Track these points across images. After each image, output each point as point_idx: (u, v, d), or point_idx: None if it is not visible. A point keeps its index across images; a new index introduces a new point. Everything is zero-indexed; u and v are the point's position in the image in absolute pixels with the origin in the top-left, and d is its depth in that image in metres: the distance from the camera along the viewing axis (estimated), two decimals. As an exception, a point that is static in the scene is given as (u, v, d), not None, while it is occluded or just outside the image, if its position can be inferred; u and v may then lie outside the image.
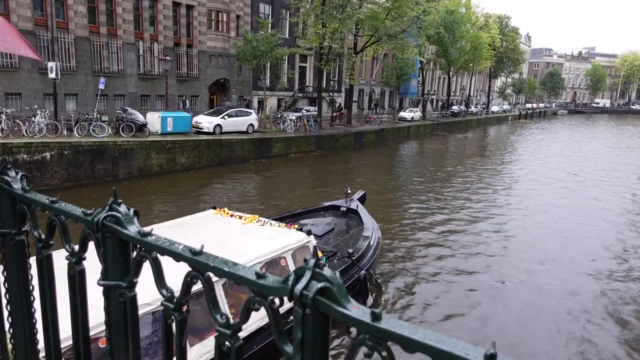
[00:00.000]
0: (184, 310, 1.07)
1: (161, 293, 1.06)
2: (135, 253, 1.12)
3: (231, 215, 7.97)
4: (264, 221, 7.70)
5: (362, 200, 11.39)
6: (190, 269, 0.99)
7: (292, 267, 6.70)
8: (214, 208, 8.31)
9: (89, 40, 23.03)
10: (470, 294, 9.39)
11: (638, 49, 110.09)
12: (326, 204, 11.16)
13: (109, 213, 1.13)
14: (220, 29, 29.69)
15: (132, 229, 1.10)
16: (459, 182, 21.41)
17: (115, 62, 24.39)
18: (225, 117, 23.59)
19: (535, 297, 9.48)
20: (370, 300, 8.52)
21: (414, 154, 33.52)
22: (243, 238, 6.93)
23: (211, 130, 22.60)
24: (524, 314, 8.72)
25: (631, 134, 53.84)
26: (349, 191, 10.90)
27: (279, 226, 7.57)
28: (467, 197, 18.30)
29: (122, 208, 1.14)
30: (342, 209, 10.63)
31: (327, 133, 29.82)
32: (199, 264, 0.97)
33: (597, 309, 8.96)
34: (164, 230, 6.88)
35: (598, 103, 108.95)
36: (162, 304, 1.07)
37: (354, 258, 8.20)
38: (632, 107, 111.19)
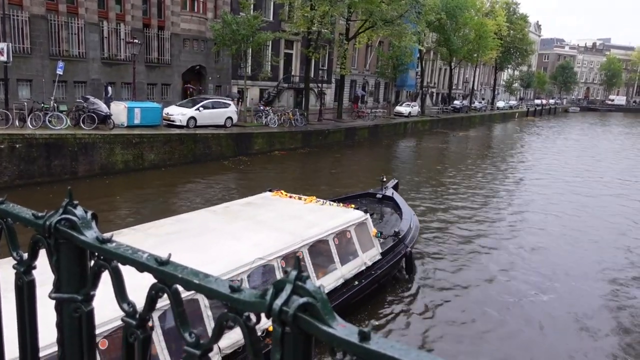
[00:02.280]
0: (149, 327, 1.05)
1: (122, 308, 1.04)
2: (92, 262, 1.10)
3: (290, 197, 10.07)
4: (323, 202, 9.88)
5: (395, 187, 13.22)
6: (155, 280, 0.98)
7: (356, 241, 8.92)
8: (271, 190, 10.48)
9: (45, 18, 22.70)
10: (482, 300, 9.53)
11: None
12: (361, 192, 13.12)
13: (63, 216, 1.11)
14: (196, 10, 29.51)
15: (90, 235, 1.08)
16: (460, 188, 21.59)
17: (75, 45, 24.08)
18: (201, 108, 23.47)
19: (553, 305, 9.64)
20: (415, 275, 10.76)
21: (411, 153, 33.72)
22: (312, 214, 9.01)
23: (184, 124, 22.45)
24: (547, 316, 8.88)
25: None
26: (384, 179, 12.91)
27: (338, 206, 9.72)
28: (468, 204, 18.45)
29: (79, 211, 1.12)
30: (377, 195, 12.41)
31: (314, 128, 29.84)
32: (166, 275, 0.95)
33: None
34: (221, 212, 9.08)
35: (613, 100, 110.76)
36: (122, 320, 1.05)
37: (400, 237, 10.08)
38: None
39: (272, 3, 34.38)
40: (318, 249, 8.23)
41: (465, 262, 11.96)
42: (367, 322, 8.35)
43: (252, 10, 28.73)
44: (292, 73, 37.69)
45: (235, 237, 7.68)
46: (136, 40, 23.42)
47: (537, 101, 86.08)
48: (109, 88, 23.27)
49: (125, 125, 20.10)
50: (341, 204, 9.95)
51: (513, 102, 78.18)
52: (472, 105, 60.94)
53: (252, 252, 7.08)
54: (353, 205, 9.82)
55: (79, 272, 1.13)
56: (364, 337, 0.72)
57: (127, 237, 7.29)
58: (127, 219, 13.92)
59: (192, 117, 22.88)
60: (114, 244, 1.05)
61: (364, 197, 12.47)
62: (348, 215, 9.07)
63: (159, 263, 0.96)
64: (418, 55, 46.25)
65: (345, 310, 7.98)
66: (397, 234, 10.14)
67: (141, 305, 1.04)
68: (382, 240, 9.76)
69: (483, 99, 72.89)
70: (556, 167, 27.73)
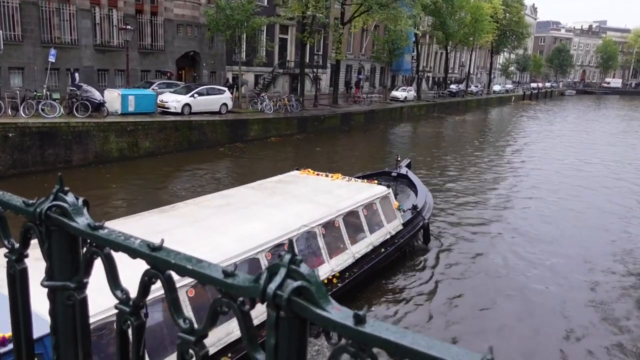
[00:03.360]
0: (143, 314, 1.04)
1: (115, 295, 1.04)
2: (85, 249, 1.09)
3: (317, 174, 11.18)
4: (348, 178, 11.02)
5: (408, 166, 14.04)
6: (148, 266, 0.97)
7: (381, 213, 9.95)
8: (297, 169, 11.56)
9: (36, 5, 22.40)
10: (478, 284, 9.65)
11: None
12: (377, 171, 14.07)
13: (54, 203, 1.09)
14: (188, -5, 29.16)
15: (81, 221, 1.07)
16: (457, 171, 21.62)
17: (67, 31, 23.80)
18: (195, 95, 23.32)
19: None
20: (431, 245, 11.80)
21: (408, 138, 33.69)
22: (341, 189, 10.13)
23: (179, 111, 22.32)
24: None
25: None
26: (399, 158, 14.04)
27: (362, 182, 10.86)
28: (468, 185, 18.50)
29: (70, 197, 1.11)
30: (392, 174, 13.21)
31: (310, 114, 29.74)
32: (158, 261, 0.94)
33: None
34: (259, 188, 10.13)
35: (609, 83, 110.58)
36: (116, 307, 1.04)
37: (418, 210, 11.08)
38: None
39: (266, -13, 34.01)
40: (350, 219, 9.19)
41: (471, 235, 13.07)
42: (393, 286, 9.86)
43: (245, -5, 28.37)
44: (287, 58, 37.43)
45: (278, 208, 8.68)
46: (129, 27, 23.17)
47: (534, 84, 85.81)
48: (76, 74, 21.77)
49: (119, 112, 19.97)
50: (365, 180, 11.16)
51: (509, 86, 77.98)
52: (469, 89, 60.75)
53: (297, 221, 8.11)
54: (376, 181, 11.03)
55: (71, 259, 1.12)
56: (359, 320, 0.72)
57: (185, 209, 8.51)
58: (124, 208, 13.91)
59: (187, 104, 22.74)
60: (105, 231, 1.04)
61: (380, 175, 13.14)
62: (373, 190, 10.21)
63: (151, 249, 0.95)
64: (414, 39, 45.94)
65: (374, 276, 9.40)
66: (415, 207, 11.17)
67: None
68: (402, 212, 10.80)
69: (479, 82, 72.65)
70: (553, 148, 27.81)
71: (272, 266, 0.79)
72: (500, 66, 77.38)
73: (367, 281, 9.24)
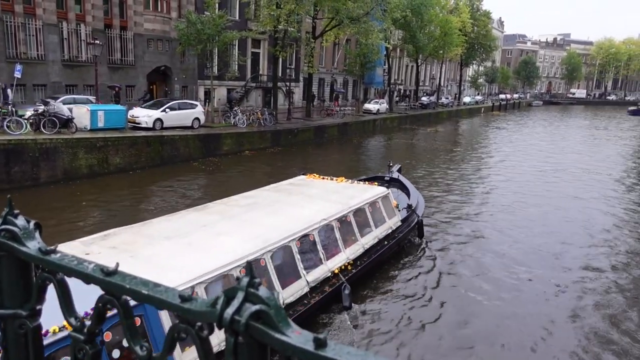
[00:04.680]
0: (99, 341, 0.99)
1: (69, 322, 0.99)
2: (36, 275, 1.04)
3: (322, 178, 12.50)
4: (352, 181, 12.37)
5: (399, 171, 15.21)
6: (102, 292, 0.93)
7: (383, 210, 11.20)
8: (304, 174, 13.01)
9: (1, 20, 21.90)
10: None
11: (613, 36, 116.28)
12: (371, 175, 15.27)
13: (3, 227, 1.04)
14: (159, 9, 29.00)
15: (32, 246, 1.02)
16: (430, 180, 21.86)
17: (34, 46, 23.32)
18: (167, 110, 23.08)
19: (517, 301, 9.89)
20: (425, 239, 13.05)
21: (381, 150, 33.97)
22: (348, 190, 11.42)
23: (150, 126, 22.03)
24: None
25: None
26: (391, 164, 15.38)
27: (365, 184, 12.25)
28: (440, 195, 18.71)
29: (20, 220, 1.06)
30: (385, 178, 14.47)
31: (284, 128, 29.74)
32: (113, 286, 0.90)
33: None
34: (275, 190, 11.37)
35: (574, 93, 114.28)
36: (70, 336, 0.99)
37: (413, 208, 12.40)
38: (608, 97, 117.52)
39: (237, 2, 34.06)
40: (358, 215, 10.35)
41: (455, 231, 14.55)
42: (395, 273, 10.97)
43: (217, 10, 28.40)
44: (260, 72, 37.46)
45: (298, 206, 9.89)
46: (97, 41, 22.84)
47: (502, 96, 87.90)
48: (8, 90, 19.87)
49: (89, 128, 19.58)
50: (367, 182, 12.60)
51: (479, 98, 79.71)
52: (439, 101, 61.80)
53: (317, 215, 9.31)
54: (376, 183, 12.58)
55: (22, 285, 1.07)
56: (320, 344, 0.69)
57: (217, 208, 9.56)
58: (95, 224, 13.58)
59: (159, 119, 22.47)
60: (58, 255, 0.99)
61: (374, 179, 14.12)
62: (375, 190, 11.57)
63: (105, 274, 0.91)
64: (385, 52, 46.59)
65: (380, 265, 10.76)
66: (410, 206, 12.51)
67: None
68: (399, 210, 12.07)
69: (450, 94, 74.04)
70: (522, 156, 28.45)
71: (229, 290, 0.76)
72: (469, 78, 79.07)
73: (374, 269, 10.52)
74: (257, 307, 0.73)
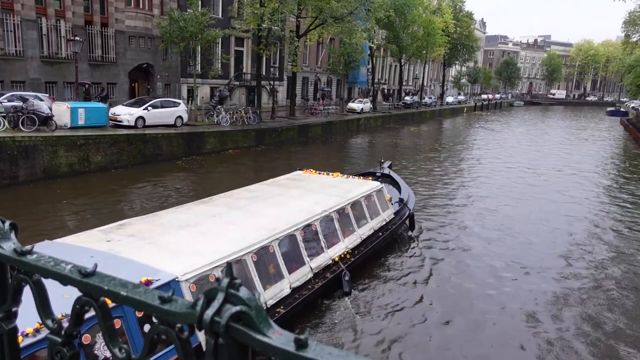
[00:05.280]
0: (76, 344, 0.98)
1: (46, 325, 0.97)
2: (12, 276, 1.02)
3: (319, 173, 13.19)
4: (347, 176, 13.26)
5: (389, 167, 15.65)
6: (80, 293, 0.91)
7: (377, 203, 11.87)
8: (300, 169, 13.55)
9: (-22, 15, 21.43)
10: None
11: (592, 38, 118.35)
12: (363, 171, 15.70)
13: (-23, 227, 1.02)
14: (141, 6, 28.65)
15: (7, 247, 1.00)
16: (413, 178, 21.99)
17: (12, 42, 22.85)
18: (149, 108, 22.81)
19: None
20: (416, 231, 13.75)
21: (365, 148, 34.08)
22: (344, 184, 12.13)
23: (132, 124, 21.76)
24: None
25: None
26: (382, 160, 15.70)
27: (359, 178, 13.16)
28: (424, 192, 18.84)
29: (-6, 220, 1.03)
30: (377, 174, 14.79)
31: (267, 126, 29.64)
32: (91, 288, 0.89)
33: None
34: (275, 184, 11.99)
35: (554, 94, 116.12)
36: (47, 338, 0.97)
37: (404, 202, 13.13)
38: (587, 98, 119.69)
39: (220, 0, 33.81)
40: (355, 207, 10.97)
41: (442, 224, 15.41)
42: (389, 262, 11.84)
43: (200, 7, 28.14)
44: (244, 71, 37.25)
45: (299, 198, 10.50)
46: (78, 38, 22.45)
47: (484, 96, 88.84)
48: None
49: (69, 126, 19.27)
50: (361, 177, 13.46)
51: (461, 97, 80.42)
52: (423, 101, 62.20)
53: (317, 207, 9.94)
54: (370, 178, 13.50)
55: (-3, 287, 1.04)
56: (301, 344, 0.69)
57: (223, 200, 10.13)
58: (76, 222, 13.40)
59: (141, 117, 22.20)
60: (34, 256, 0.97)
61: (366, 175, 14.74)
62: (370, 184, 12.33)
63: (83, 275, 0.89)
64: (369, 52, 46.71)
65: (375, 254, 11.39)
66: (402, 200, 13.25)
67: None
68: (392, 204, 12.78)
69: (433, 94, 74.58)
70: (503, 154, 28.80)
71: (209, 291, 0.75)
72: (452, 78, 79.75)
73: (370, 258, 11.16)
74: (237, 308, 0.73)
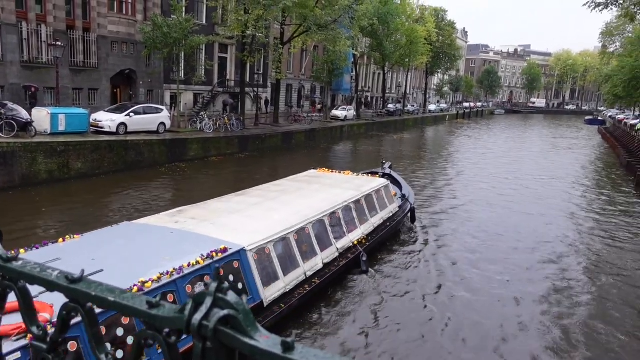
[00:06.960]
0: (62, 351, 0.98)
1: (30, 331, 0.97)
2: (-4, 283, 1.01)
3: (332, 171, 15.20)
4: (357, 174, 14.94)
5: (390, 167, 16.93)
6: (67, 300, 0.91)
7: (385, 197, 13.51)
8: (315, 169, 15.56)
9: (-44, 19, 21.04)
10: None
11: (571, 48, 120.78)
12: (367, 171, 16.83)
13: (-38, 234, 1.02)
14: (124, 12, 28.44)
15: (-8, 254, 0.99)
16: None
17: (-9, 47, 22.47)
18: (131, 114, 22.61)
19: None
20: (417, 223, 15.51)
21: (348, 156, 34.20)
22: (356, 180, 13.87)
23: (114, 130, 21.54)
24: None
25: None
26: (384, 161, 17.27)
27: (367, 176, 14.86)
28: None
29: (-20, 227, 1.03)
30: (379, 173, 16.15)
31: (251, 133, 29.58)
32: (78, 294, 0.89)
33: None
34: (296, 180, 13.68)
35: (534, 103, 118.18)
36: (31, 345, 0.97)
37: (406, 197, 14.97)
38: (566, 107, 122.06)
39: (204, 6, 33.72)
40: (367, 199, 12.50)
41: (435, 222, 16.76)
42: (395, 248, 13.41)
43: (184, 13, 28.05)
44: (228, 77, 37.16)
45: (320, 192, 12.12)
46: (59, 43, 22.18)
47: (466, 104, 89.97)
48: None
49: (49, 132, 18.99)
50: (370, 175, 15.25)
51: (444, 106, 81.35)
52: (406, 108, 62.73)
53: (338, 198, 11.50)
54: (377, 175, 15.37)
55: (-19, 294, 1.04)
56: (287, 347, 0.70)
57: (256, 193, 11.76)
58: (56, 229, 13.17)
59: (123, 123, 21.99)
60: (20, 262, 0.97)
61: (370, 174, 15.96)
62: (378, 181, 14.01)
63: (70, 281, 0.90)
64: (352, 59, 46.99)
65: (384, 241, 12.89)
66: (404, 195, 15.07)
67: None
68: (397, 198, 14.49)
69: (415, 102, 75.27)
70: (485, 162, 29.17)
71: (197, 295, 0.76)
72: (435, 87, 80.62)
73: (380, 244, 12.65)
74: (225, 312, 0.74)
